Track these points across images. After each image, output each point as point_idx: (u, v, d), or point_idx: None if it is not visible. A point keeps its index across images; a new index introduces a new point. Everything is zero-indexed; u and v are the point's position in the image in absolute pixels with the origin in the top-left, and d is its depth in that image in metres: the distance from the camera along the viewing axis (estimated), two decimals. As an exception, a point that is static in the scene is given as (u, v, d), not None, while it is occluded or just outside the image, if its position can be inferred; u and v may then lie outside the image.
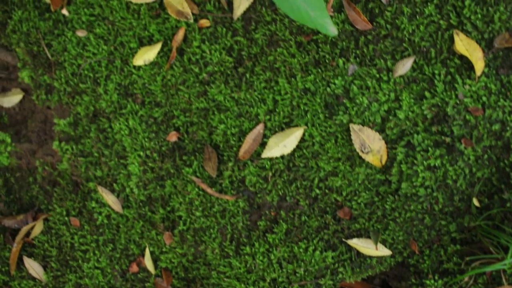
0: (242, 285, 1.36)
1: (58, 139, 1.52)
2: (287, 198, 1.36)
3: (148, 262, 1.44)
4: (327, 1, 1.35)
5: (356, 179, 1.31)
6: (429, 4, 1.29)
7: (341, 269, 1.34)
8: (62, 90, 1.52)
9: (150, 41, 1.46)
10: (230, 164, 1.37)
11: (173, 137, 1.42)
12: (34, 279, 1.53)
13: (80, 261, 1.48)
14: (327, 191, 1.34)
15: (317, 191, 1.34)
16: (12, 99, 1.64)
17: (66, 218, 1.51)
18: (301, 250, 1.33)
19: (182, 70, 1.42)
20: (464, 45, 1.25)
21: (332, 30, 1.10)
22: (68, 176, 1.52)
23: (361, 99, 1.29)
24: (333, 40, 1.31)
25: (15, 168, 1.60)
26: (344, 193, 1.32)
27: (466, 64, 1.26)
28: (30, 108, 1.63)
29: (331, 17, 1.33)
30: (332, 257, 1.33)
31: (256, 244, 1.36)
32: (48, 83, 1.55)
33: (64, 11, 1.55)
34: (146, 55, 1.43)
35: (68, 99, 1.52)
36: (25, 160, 1.60)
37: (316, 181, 1.34)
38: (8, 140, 1.59)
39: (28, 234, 1.55)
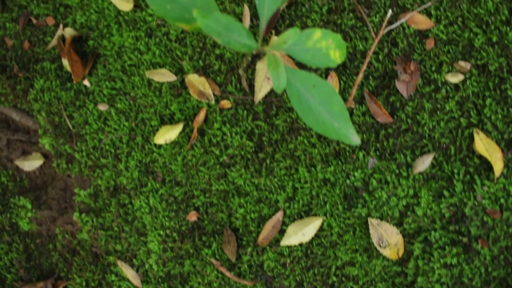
0: None
1: (78, 210, 1.59)
2: (304, 284, 1.42)
3: (166, 338, 1.51)
4: (349, 93, 1.40)
5: (373, 269, 1.37)
6: (450, 100, 1.34)
7: None
8: (83, 162, 1.58)
9: (171, 119, 1.51)
10: (249, 249, 1.42)
11: (192, 216, 1.48)
12: None
13: (99, 334, 1.56)
14: (343, 279, 1.39)
15: (334, 278, 1.40)
16: (33, 163, 1.70)
17: (86, 289, 1.58)
18: (317, 338, 1.39)
19: (203, 151, 1.47)
20: (483, 144, 1.29)
21: (355, 140, 1.15)
22: (88, 247, 1.58)
23: (380, 193, 1.34)
24: (353, 134, 1.35)
25: (35, 234, 1.66)
26: (360, 282, 1.38)
27: (485, 164, 1.31)
28: (51, 174, 1.69)
29: (352, 109, 1.38)
30: None
31: (273, 330, 1.42)
32: (69, 153, 1.61)
33: (86, 82, 1.61)
34: (167, 135, 1.48)
35: (89, 172, 1.57)
36: (45, 226, 1.67)
37: (333, 269, 1.40)
38: (29, 205, 1.66)
39: (48, 301, 1.62)
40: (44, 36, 1.74)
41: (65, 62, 1.69)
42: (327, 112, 1.19)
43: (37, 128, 1.73)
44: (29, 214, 1.70)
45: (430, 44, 1.40)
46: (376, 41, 1.38)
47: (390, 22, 1.42)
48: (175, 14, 1.18)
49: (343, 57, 1.19)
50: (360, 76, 1.38)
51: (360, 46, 1.44)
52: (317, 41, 1.22)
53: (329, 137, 1.18)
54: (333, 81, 1.42)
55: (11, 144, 1.79)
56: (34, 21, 1.75)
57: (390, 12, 1.34)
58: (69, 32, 1.67)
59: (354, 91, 1.39)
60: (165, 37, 1.58)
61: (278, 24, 1.50)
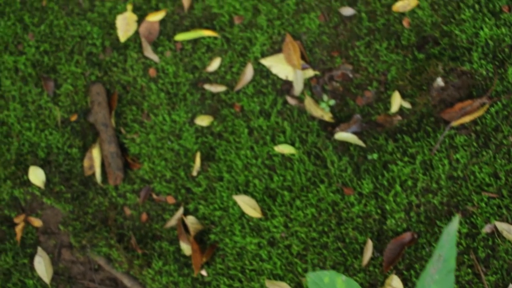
0: None
1: None
2: None
3: None
4: None
5: None
6: None
7: None
8: None
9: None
10: None
11: None
12: None
13: None
14: None
15: None
16: (139, 327, 1.91)
17: None
18: None
19: None
20: None
21: None
22: None
23: None
24: None
25: None
26: None
27: None
28: None
29: None
30: None
31: None
32: (179, 332, 1.82)
33: (203, 272, 1.81)
34: None
35: None
36: None
37: None
38: None
39: None
40: (163, 212, 1.94)
41: (183, 246, 1.89)
42: None
43: (148, 297, 1.94)
44: None
45: (540, 313, 1.61)
46: (493, 309, 1.59)
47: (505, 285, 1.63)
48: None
49: None
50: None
51: (474, 300, 1.65)
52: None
53: None
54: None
55: (117, 302, 2.00)
56: (155, 196, 1.96)
57: (510, 286, 1.55)
58: (191, 222, 1.88)
59: None
60: (287, 250, 1.78)
61: (397, 261, 1.70)
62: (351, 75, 1.93)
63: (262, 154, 1.90)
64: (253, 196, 1.88)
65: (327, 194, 1.81)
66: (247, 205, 1.86)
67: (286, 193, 1.84)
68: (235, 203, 1.89)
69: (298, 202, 1.83)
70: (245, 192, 1.89)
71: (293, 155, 1.87)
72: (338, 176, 1.83)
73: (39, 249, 2.04)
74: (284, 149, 1.88)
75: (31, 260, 2.05)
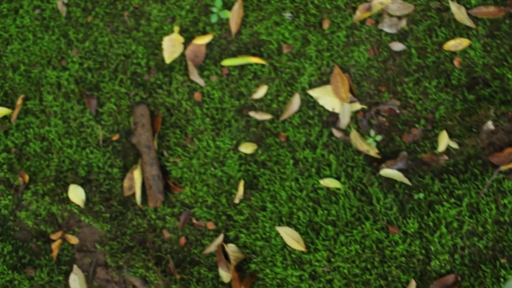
0: None
1: None
2: None
3: None
4: None
5: None
6: None
7: None
8: None
9: None
10: None
11: None
12: None
13: None
14: None
15: None
16: None
17: None
18: None
19: None
20: None
21: None
22: None
23: None
24: None
25: None
26: None
27: None
28: None
29: None
30: None
31: None
32: None
33: (242, 300, 1.82)
34: None
35: None
36: None
37: None
38: None
39: None
40: (202, 237, 1.95)
41: (222, 273, 1.90)
42: None
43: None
44: None
45: None
46: None
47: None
48: None
49: None
50: None
51: None
52: None
53: None
54: None
55: (150, 323, 2.01)
56: (195, 221, 1.96)
57: (554, 336, 1.56)
58: (232, 250, 1.89)
59: None
60: (329, 285, 1.80)
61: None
62: (398, 111, 1.94)
63: (307, 186, 1.90)
64: (296, 229, 1.88)
65: (372, 231, 1.82)
66: (290, 237, 1.87)
67: (330, 227, 1.85)
68: (277, 234, 1.89)
69: (342, 238, 1.84)
70: (289, 224, 1.89)
71: (338, 189, 1.88)
72: (384, 213, 1.84)
73: (75, 266, 2.04)
74: (330, 183, 1.88)
75: (66, 277, 2.05)
